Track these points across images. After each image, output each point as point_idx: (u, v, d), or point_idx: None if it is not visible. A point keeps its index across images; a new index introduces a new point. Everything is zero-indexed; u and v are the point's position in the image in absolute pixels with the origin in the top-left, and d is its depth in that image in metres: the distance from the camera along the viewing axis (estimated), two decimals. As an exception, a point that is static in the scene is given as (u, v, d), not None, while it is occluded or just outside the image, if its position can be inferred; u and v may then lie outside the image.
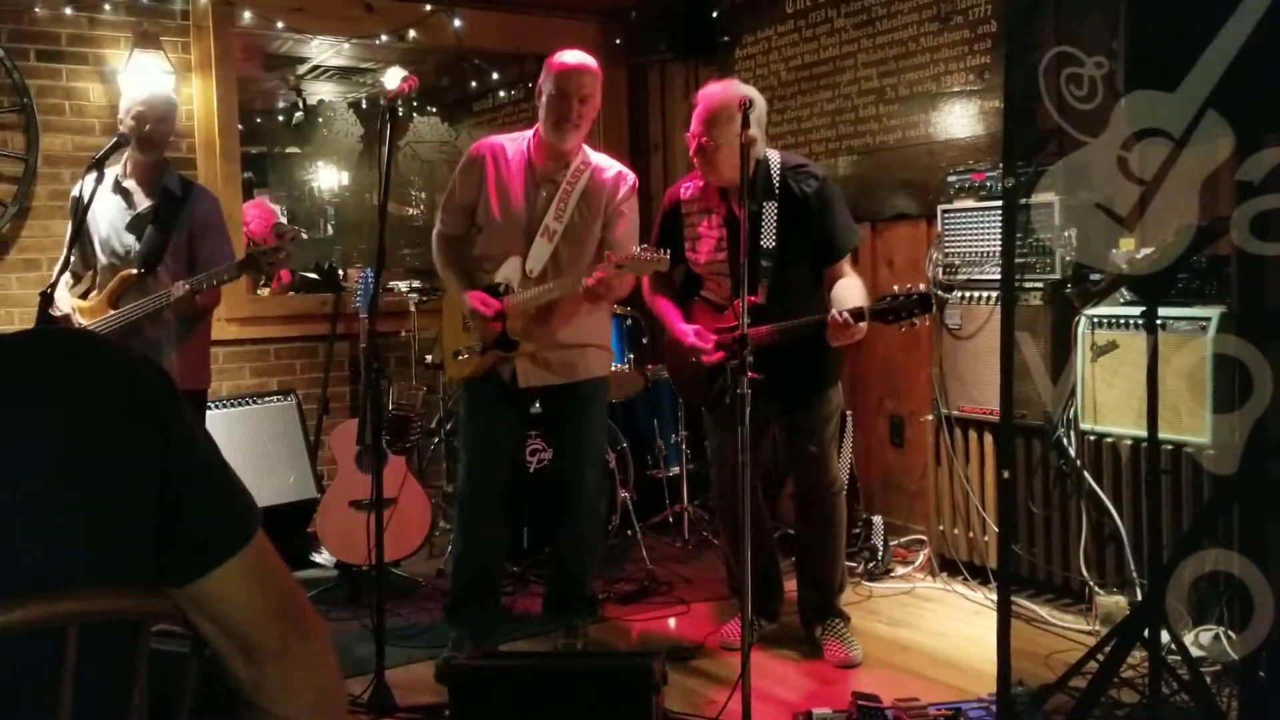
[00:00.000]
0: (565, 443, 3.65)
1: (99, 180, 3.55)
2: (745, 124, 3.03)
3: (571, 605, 3.67)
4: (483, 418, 3.57)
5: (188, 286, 3.55)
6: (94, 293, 3.69)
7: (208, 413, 4.50)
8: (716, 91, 3.38)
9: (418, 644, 3.67)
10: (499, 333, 3.41)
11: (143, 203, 3.72)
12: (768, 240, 3.37)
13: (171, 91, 4.14)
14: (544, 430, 4.28)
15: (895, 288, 3.21)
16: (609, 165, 3.55)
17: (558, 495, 3.69)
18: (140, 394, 1.06)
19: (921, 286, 3.22)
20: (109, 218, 3.70)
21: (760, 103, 3.34)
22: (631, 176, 3.57)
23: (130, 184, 3.73)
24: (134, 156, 3.71)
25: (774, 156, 3.48)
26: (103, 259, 3.70)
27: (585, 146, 3.54)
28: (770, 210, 3.38)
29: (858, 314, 3.16)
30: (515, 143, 3.55)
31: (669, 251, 3.28)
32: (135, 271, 3.62)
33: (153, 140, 3.68)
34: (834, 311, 3.19)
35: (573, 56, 3.45)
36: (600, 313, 3.60)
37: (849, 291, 3.31)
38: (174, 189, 3.76)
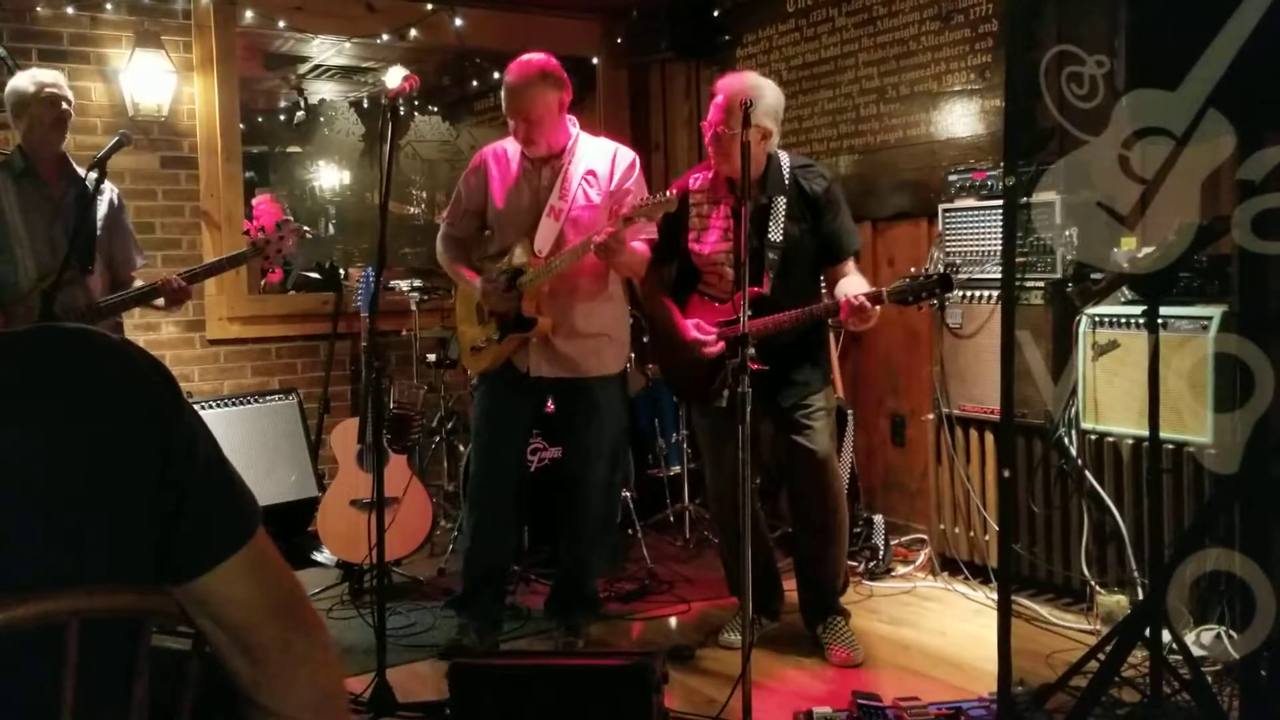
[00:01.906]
0: (572, 444, 3.65)
1: (100, 178, 3.47)
2: (746, 123, 3.02)
3: (573, 605, 3.67)
4: (496, 411, 3.59)
5: (180, 277, 3.48)
6: None
7: (209, 411, 4.51)
8: (734, 81, 3.40)
9: (419, 643, 3.67)
10: (515, 311, 3.43)
11: (59, 195, 3.53)
12: (775, 233, 3.38)
13: None
14: (550, 429, 4.27)
15: (912, 269, 3.23)
16: (604, 148, 3.56)
17: (564, 495, 3.70)
18: (141, 390, 1.07)
19: (940, 267, 3.23)
20: (24, 215, 3.46)
21: (774, 96, 3.38)
22: (630, 154, 3.57)
23: (40, 176, 3.51)
24: (44, 144, 3.50)
25: (783, 155, 3.50)
26: (27, 260, 3.46)
27: (581, 132, 3.56)
28: (780, 204, 3.40)
29: (875, 297, 3.18)
30: (515, 142, 3.58)
31: (674, 193, 3.32)
32: (75, 269, 3.41)
33: (65, 122, 3.52)
34: (849, 295, 3.20)
35: (514, 70, 3.44)
36: (615, 303, 3.60)
37: (856, 284, 3.34)
38: (81, 179, 3.54)
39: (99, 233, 3.58)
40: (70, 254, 3.44)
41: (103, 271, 3.61)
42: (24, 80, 3.53)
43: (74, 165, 3.61)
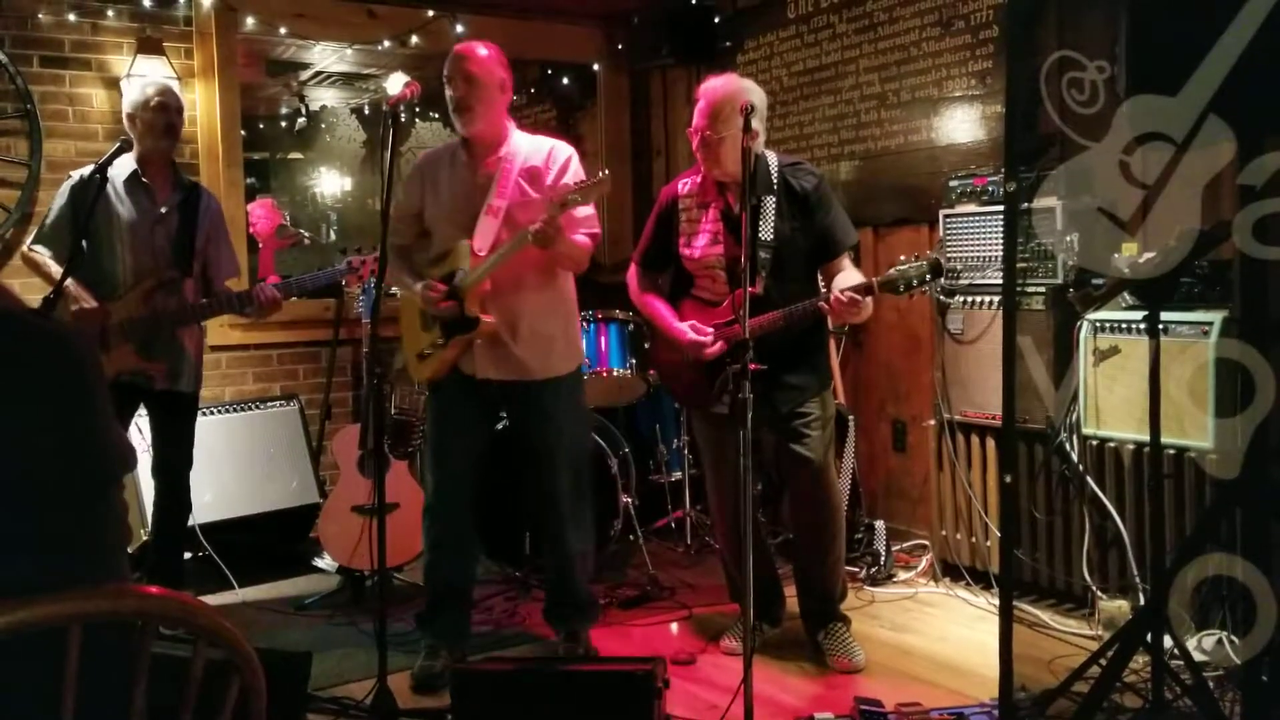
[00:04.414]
0: (533, 456, 3.55)
1: (103, 183, 3.51)
2: (747, 127, 3.03)
3: (568, 611, 3.64)
4: (448, 421, 3.51)
5: (275, 289, 3.67)
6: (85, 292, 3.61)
7: (211, 417, 4.53)
8: (718, 85, 3.39)
9: (420, 648, 3.66)
10: (457, 313, 3.35)
11: (165, 200, 3.73)
12: (766, 233, 3.37)
13: None
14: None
15: (901, 257, 3.22)
16: (541, 145, 3.51)
17: (538, 510, 3.65)
18: (54, 365, 1.08)
19: (930, 253, 3.23)
20: (129, 215, 3.66)
21: (760, 98, 3.36)
22: (568, 148, 3.52)
23: (148, 180, 3.71)
24: (154, 150, 3.70)
25: (770, 155, 3.49)
26: (127, 258, 3.65)
27: (516, 130, 3.51)
28: (769, 204, 3.39)
29: (864, 289, 3.18)
30: (450, 146, 3.61)
31: (608, 173, 3.29)
32: (174, 272, 3.66)
33: (176, 129, 3.73)
34: (838, 291, 3.20)
35: (460, 46, 3.49)
36: (563, 302, 3.53)
37: (851, 279, 3.32)
38: (187, 186, 3.80)
39: (198, 240, 3.77)
40: (76, 254, 3.48)
41: (197, 275, 3.78)
42: (137, 89, 3.78)
43: (180, 175, 3.85)
